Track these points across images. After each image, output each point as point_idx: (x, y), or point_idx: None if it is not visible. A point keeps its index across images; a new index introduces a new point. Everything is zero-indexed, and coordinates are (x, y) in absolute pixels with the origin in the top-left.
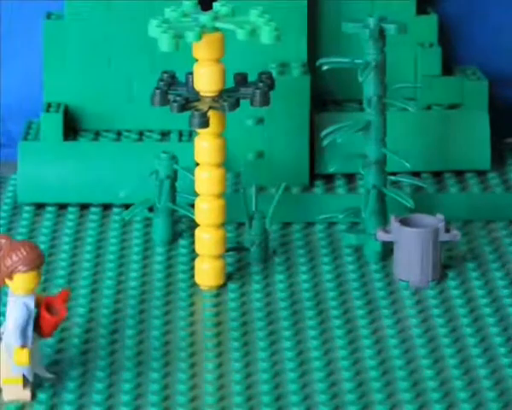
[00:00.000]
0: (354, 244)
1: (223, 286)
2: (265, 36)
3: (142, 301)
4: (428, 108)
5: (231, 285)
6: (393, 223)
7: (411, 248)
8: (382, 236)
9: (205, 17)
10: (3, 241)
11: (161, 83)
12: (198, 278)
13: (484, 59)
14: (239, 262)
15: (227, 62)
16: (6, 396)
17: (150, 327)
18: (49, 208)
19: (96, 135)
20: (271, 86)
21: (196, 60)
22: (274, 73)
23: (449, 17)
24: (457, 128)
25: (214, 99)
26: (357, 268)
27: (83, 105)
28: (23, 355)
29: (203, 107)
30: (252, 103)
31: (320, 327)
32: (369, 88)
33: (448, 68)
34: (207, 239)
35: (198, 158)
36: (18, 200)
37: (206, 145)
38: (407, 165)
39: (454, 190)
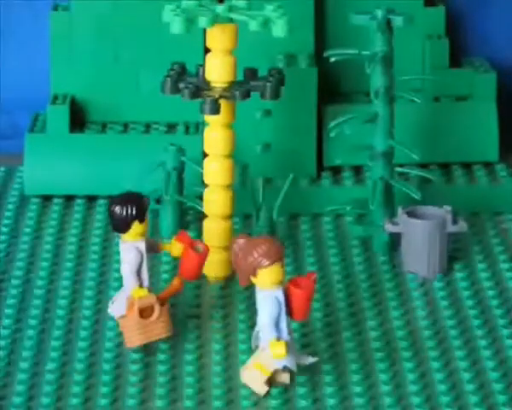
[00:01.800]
0: (362, 236)
1: (230, 277)
2: (278, 29)
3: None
4: (436, 99)
5: None
6: (401, 214)
7: (419, 240)
8: (390, 227)
9: (220, 7)
10: (242, 241)
11: (172, 72)
12: (205, 269)
13: (492, 51)
14: None
15: (234, 53)
16: (245, 378)
17: None
18: (56, 200)
19: (103, 127)
20: (281, 82)
21: (209, 50)
22: (281, 65)
23: (457, 9)
24: (465, 120)
25: (225, 89)
26: (364, 260)
27: (90, 97)
28: (279, 347)
29: (214, 94)
30: (262, 96)
31: (327, 319)
32: (377, 79)
33: (456, 60)
34: (215, 230)
35: (207, 149)
36: (25, 192)
37: (215, 136)
38: (415, 156)
39: (461, 181)
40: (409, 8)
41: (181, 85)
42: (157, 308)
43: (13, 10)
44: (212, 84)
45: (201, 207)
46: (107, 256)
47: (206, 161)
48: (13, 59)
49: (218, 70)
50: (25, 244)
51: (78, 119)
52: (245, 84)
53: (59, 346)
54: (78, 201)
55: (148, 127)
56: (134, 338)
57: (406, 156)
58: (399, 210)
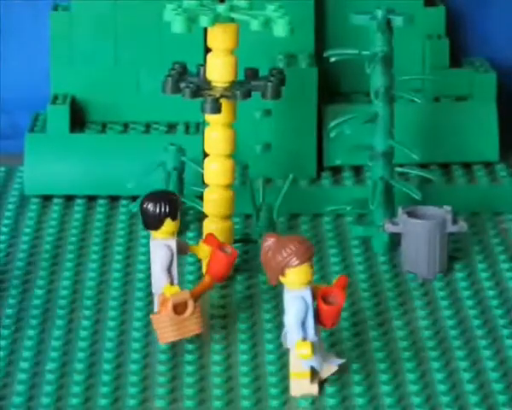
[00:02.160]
0: (362, 236)
1: (230, 278)
2: (279, 29)
3: (150, 293)
4: (436, 99)
5: (238, 277)
6: (401, 215)
7: (419, 240)
8: (390, 227)
9: (221, 7)
10: (272, 240)
11: (173, 72)
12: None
13: (492, 51)
14: (246, 254)
15: (235, 53)
16: (294, 392)
17: None
18: (57, 200)
19: (103, 127)
20: (282, 81)
21: (209, 50)
22: (281, 65)
23: (457, 9)
24: (465, 120)
25: (226, 89)
26: (364, 260)
27: (90, 97)
28: (304, 348)
29: (215, 94)
30: (263, 96)
31: None
32: (377, 79)
33: (456, 60)
34: (215, 230)
35: (208, 149)
36: (25, 192)
37: (216, 136)
38: (415, 157)
39: (462, 181)
40: (409, 8)
41: (182, 85)
42: (191, 304)
43: (13, 10)
44: (213, 84)
45: (201, 207)
46: (108, 256)
47: (206, 160)
48: (13, 59)
49: (219, 70)
50: (25, 244)
51: (79, 119)
52: (246, 83)
53: (59, 346)
54: (79, 201)
55: (148, 127)
56: (167, 334)
57: (406, 156)
58: (399, 210)
